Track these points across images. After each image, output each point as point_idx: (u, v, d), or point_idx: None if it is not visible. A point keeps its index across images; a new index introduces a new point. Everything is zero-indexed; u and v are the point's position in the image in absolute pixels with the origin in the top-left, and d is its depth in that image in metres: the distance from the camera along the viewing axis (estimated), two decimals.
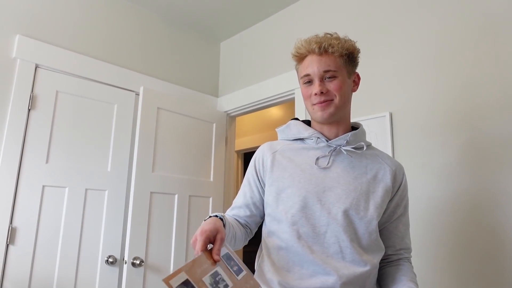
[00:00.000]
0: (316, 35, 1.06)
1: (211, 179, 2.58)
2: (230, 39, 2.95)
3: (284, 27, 2.49)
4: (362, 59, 1.99)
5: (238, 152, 4.07)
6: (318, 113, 1.03)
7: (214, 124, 2.67)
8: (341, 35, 2.01)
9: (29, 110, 1.96)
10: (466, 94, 1.59)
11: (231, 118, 2.87)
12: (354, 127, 1.14)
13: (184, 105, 2.48)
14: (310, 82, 1.04)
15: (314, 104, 1.03)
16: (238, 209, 1.13)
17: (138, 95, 2.42)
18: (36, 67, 2.03)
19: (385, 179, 1.05)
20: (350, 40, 1.06)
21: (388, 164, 1.08)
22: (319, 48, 1.01)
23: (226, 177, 2.73)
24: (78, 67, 2.17)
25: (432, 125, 1.68)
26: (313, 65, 1.02)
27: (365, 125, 1.90)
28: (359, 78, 1.10)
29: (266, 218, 1.09)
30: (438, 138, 1.65)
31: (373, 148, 1.13)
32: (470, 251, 1.49)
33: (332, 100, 1.01)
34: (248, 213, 1.11)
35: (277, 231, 1.03)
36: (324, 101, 1.01)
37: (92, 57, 2.26)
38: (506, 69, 1.50)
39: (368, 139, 1.87)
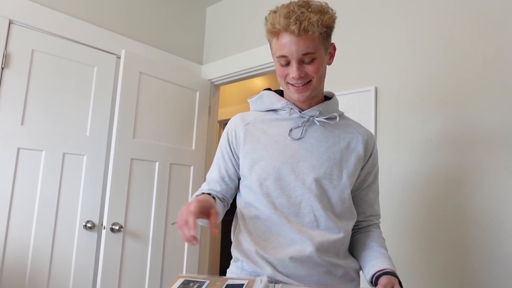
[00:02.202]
0: (291, 5, 0.94)
1: (193, 148, 2.56)
2: (217, 5, 2.85)
3: None
4: (351, 33, 1.97)
5: (220, 122, 4.03)
6: (295, 95, 1.00)
7: (198, 92, 2.62)
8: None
9: (2, 68, 1.87)
10: (449, 73, 1.60)
11: (215, 87, 2.82)
12: (328, 97, 1.12)
13: (168, 71, 2.41)
14: (286, 63, 0.97)
15: (289, 84, 1.00)
16: (214, 183, 1.12)
17: (120, 58, 2.33)
18: (10, 22, 1.91)
19: (358, 148, 1.06)
20: (328, 9, 0.96)
21: (360, 133, 1.08)
22: (299, 29, 0.91)
23: (208, 146, 2.71)
24: (56, 25, 2.06)
25: (415, 102, 1.69)
26: (291, 47, 0.93)
27: (350, 99, 1.89)
28: (334, 49, 1.06)
29: (242, 190, 1.09)
30: (420, 115, 1.66)
31: (345, 118, 1.13)
32: (442, 224, 1.55)
33: (310, 81, 0.98)
34: (224, 186, 1.11)
35: (254, 202, 1.03)
36: (301, 85, 0.98)
37: (72, 16, 2.14)
38: (491, 52, 1.50)
39: (351, 113, 1.88)
